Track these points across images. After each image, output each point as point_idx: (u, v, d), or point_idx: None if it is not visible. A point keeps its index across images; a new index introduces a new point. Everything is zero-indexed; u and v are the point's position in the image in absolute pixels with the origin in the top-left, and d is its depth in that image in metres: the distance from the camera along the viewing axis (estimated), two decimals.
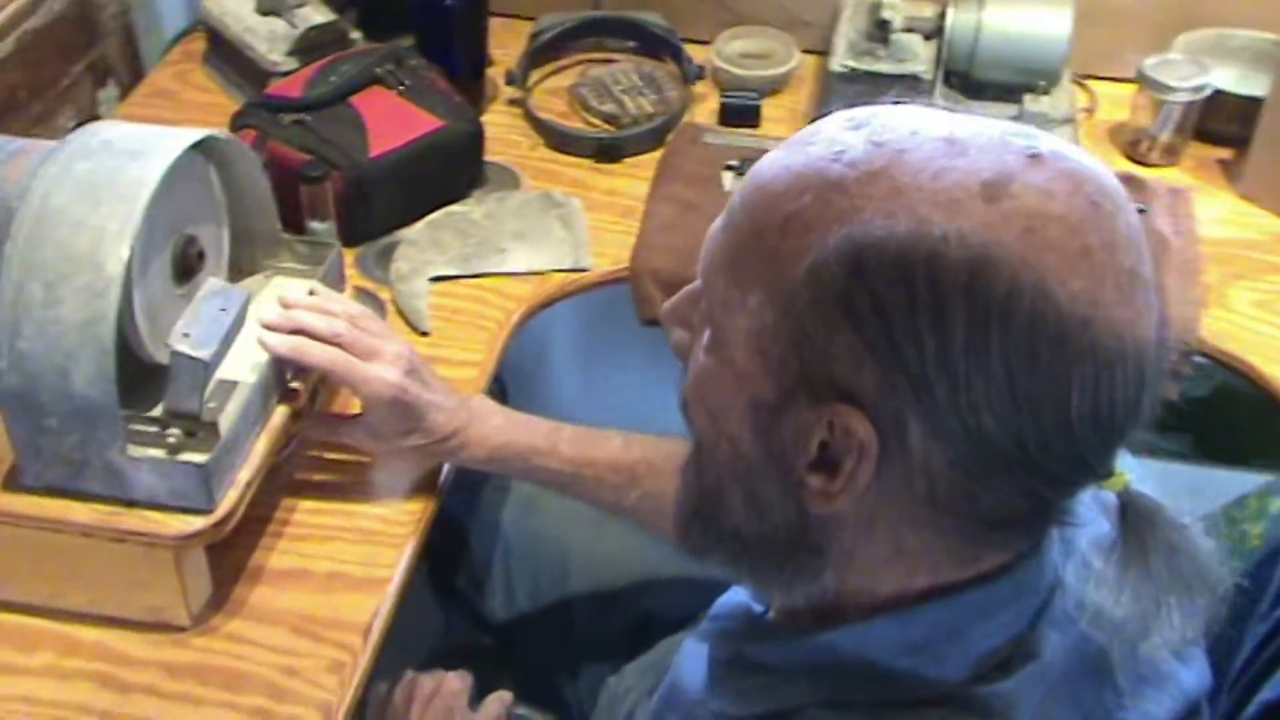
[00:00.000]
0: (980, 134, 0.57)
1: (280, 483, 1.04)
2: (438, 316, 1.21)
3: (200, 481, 0.87)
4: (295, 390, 0.98)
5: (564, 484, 1.01)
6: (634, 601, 1.18)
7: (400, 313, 1.21)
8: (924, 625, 0.61)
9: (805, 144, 0.58)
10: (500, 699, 1.07)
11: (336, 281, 1.07)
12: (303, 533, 1.00)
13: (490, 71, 1.52)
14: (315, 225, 1.21)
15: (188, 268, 0.95)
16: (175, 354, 0.87)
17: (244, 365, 0.95)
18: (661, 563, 1.18)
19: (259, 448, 0.94)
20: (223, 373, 0.94)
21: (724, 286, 0.58)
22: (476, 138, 1.34)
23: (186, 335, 0.89)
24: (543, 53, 1.53)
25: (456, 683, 1.06)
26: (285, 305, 0.96)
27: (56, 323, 0.83)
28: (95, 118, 1.53)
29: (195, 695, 0.88)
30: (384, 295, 1.23)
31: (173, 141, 0.89)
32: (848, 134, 0.57)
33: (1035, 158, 0.56)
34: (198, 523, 0.88)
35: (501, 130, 1.46)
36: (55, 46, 1.50)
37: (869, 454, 0.55)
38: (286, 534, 1.00)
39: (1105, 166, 0.59)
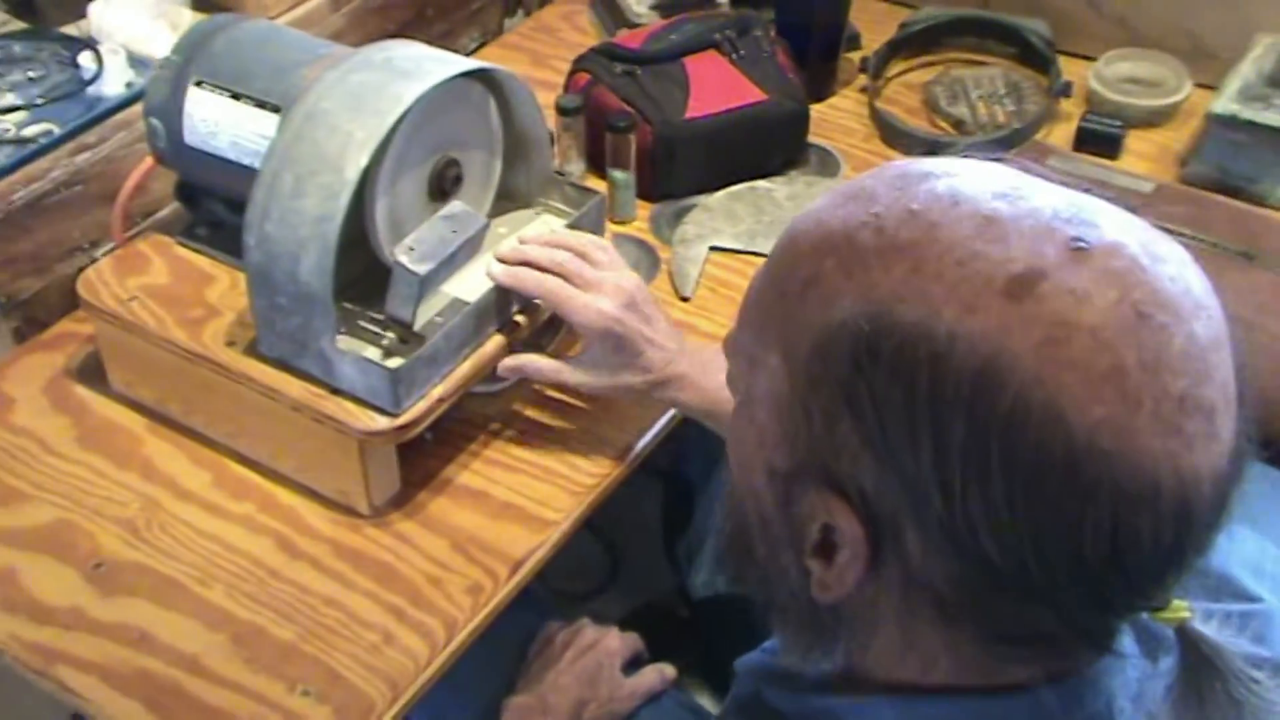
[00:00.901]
0: (1030, 213, 0.50)
1: (496, 409, 1.08)
2: (705, 285, 1.22)
3: (390, 385, 0.93)
4: (516, 323, 1.02)
5: None
6: None
7: (670, 274, 1.22)
8: (925, 717, 0.56)
9: (847, 197, 0.54)
10: (661, 671, 1.08)
11: (593, 226, 1.10)
12: (496, 458, 1.05)
13: (851, 55, 1.48)
14: (615, 174, 1.25)
15: (443, 188, 1.01)
16: (396, 263, 0.94)
17: (474, 289, 0.99)
18: None
19: (462, 369, 0.99)
20: (456, 289, 0.99)
21: (751, 340, 0.56)
22: (798, 118, 1.32)
23: (411, 249, 0.95)
24: (909, 44, 1.49)
25: (616, 642, 1.07)
26: (521, 240, 1.00)
27: (297, 213, 0.91)
28: None
29: (347, 578, 0.95)
30: (664, 254, 1.25)
31: (444, 67, 0.95)
32: (892, 192, 0.52)
33: (1081, 251, 0.48)
34: (381, 422, 0.94)
35: (843, 115, 1.44)
36: None
37: (858, 554, 0.52)
38: (483, 456, 1.05)
39: (1189, 264, 0.50)
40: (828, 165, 1.36)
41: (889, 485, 0.50)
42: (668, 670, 1.08)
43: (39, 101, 1.24)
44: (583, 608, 1.10)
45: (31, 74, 1.30)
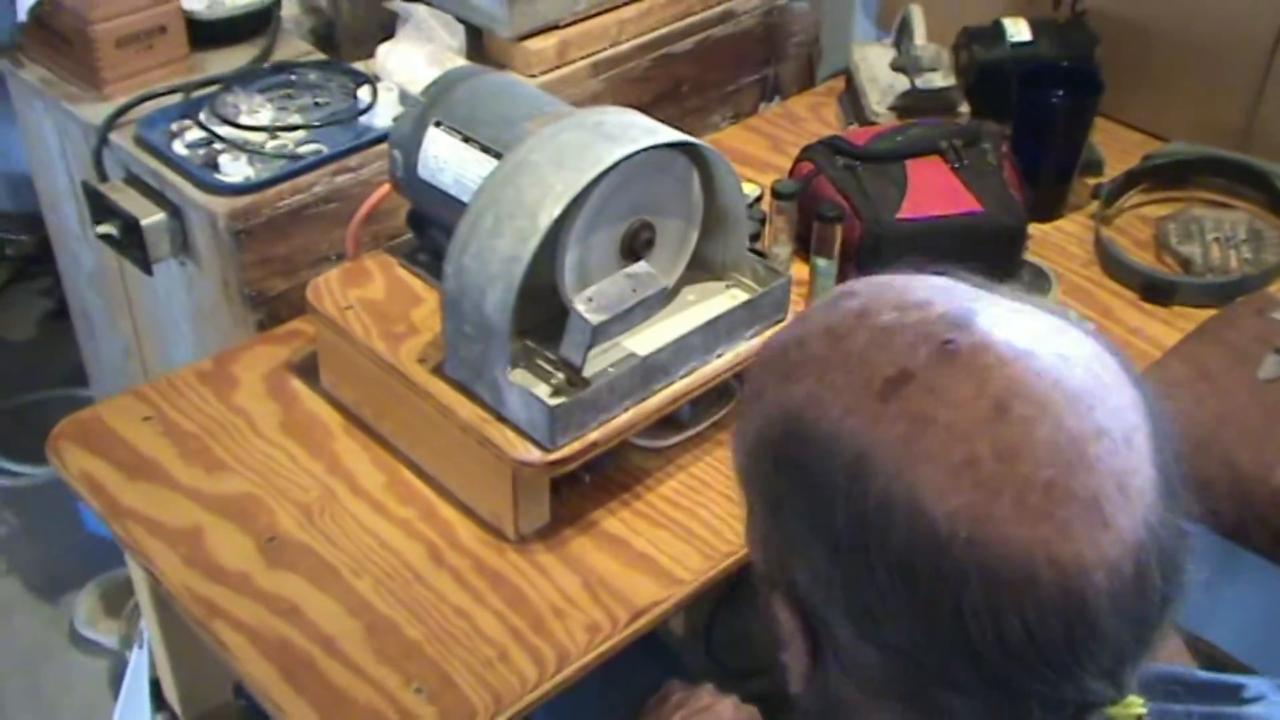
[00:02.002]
0: (919, 321, 0.54)
1: (657, 464, 1.13)
2: None
3: (548, 420, 1.00)
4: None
5: None
6: None
7: None
8: None
9: (799, 318, 0.61)
10: None
11: (774, 310, 1.14)
12: (645, 510, 1.10)
13: (1089, 179, 1.48)
14: (818, 261, 1.29)
15: (634, 249, 1.07)
16: (572, 309, 1.01)
17: (648, 344, 1.05)
18: None
19: (621, 419, 1.05)
20: (633, 344, 1.06)
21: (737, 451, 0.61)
22: (1013, 235, 1.33)
23: (590, 299, 1.01)
24: (1150, 176, 1.47)
25: (729, 713, 1.09)
26: None
27: (492, 250, 0.99)
28: None
29: (481, 594, 1.02)
30: None
31: (648, 136, 1.02)
32: (820, 311, 0.59)
33: (949, 352, 0.51)
34: (534, 454, 1.01)
35: (1066, 239, 1.43)
36: (731, 55, 1.70)
37: (800, 646, 0.56)
38: (632, 506, 1.10)
39: (1081, 360, 0.51)
40: (1038, 284, 1.36)
41: (807, 578, 0.54)
42: None
43: (316, 124, 1.39)
44: (740, 687, 1.11)
45: (318, 100, 1.45)
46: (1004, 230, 1.32)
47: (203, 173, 1.31)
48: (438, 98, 1.14)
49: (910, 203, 1.31)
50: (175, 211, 1.35)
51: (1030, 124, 1.41)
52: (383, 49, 1.50)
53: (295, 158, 1.35)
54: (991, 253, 1.33)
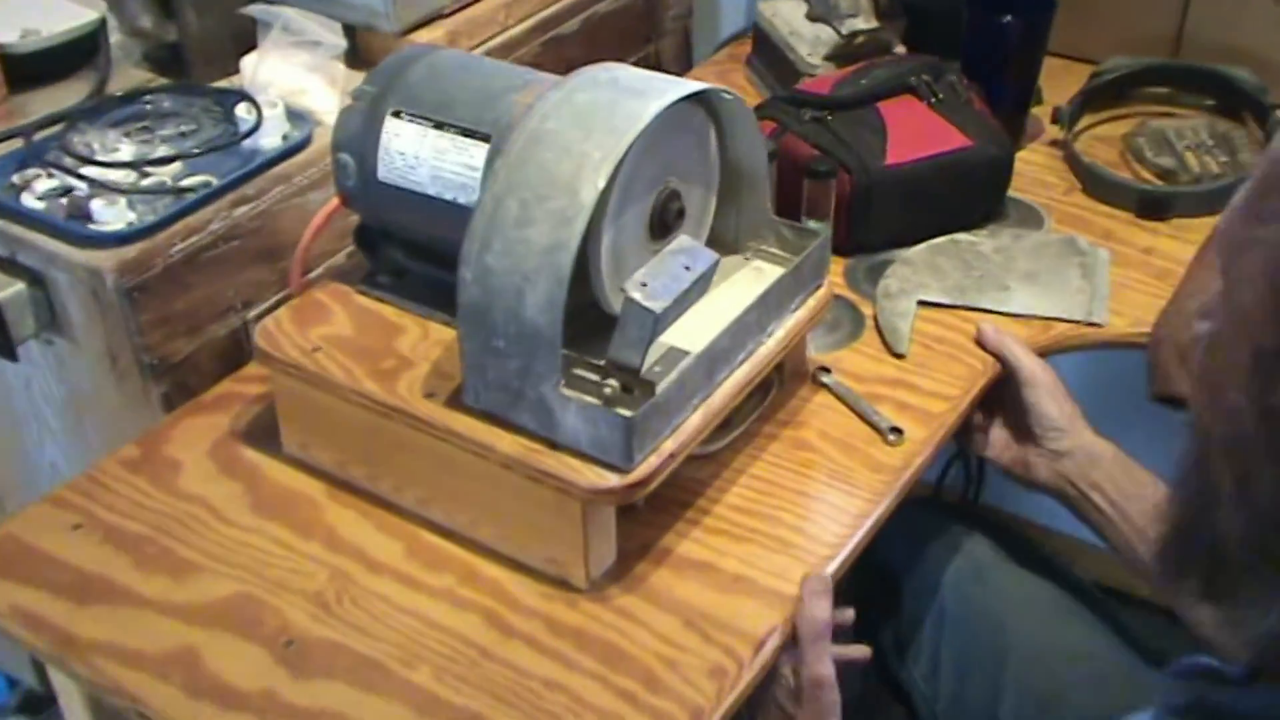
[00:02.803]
0: None
1: (709, 472, 0.98)
2: (918, 342, 1.12)
3: (623, 436, 0.83)
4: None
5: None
6: (1073, 711, 1.03)
7: (879, 329, 1.13)
8: None
9: None
10: None
11: (814, 275, 1.00)
12: (720, 526, 0.95)
13: (1036, 111, 1.40)
14: (811, 224, 1.16)
15: (665, 223, 0.92)
16: (628, 300, 0.85)
17: (696, 335, 0.90)
18: (1114, 670, 1.02)
19: (692, 421, 0.89)
20: (673, 338, 0.90)
21: (1240, 226, 0.55)
22: (1005, 164, 1.24)
23: (644, 285, 0.86)
24: (1100, 95, 1.40)
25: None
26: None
27: (524, 243, 0.83)
28: None
29: (571, 659, 0.84)
30: (865, 311, 1.15)
31: (676, 87, 0.87)
32: None
33: None
34: (612, 479, 0.84)
35: (1035, 170, 1.35)
36: (615, 33, 1.57)
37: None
38: (704, 524, 0.95)
39: None
40: (1029, 219, 1.28)
41: None
42: None
43: (195, 152, 1.18)
44: None
45: (183, 129, 1.24)
46: (995, 162, 1.23)
47: (72, 225, 1.09)
48: (390, 84, 0.96)
49: (895, 147, 1.20)
50: (36, 279, 1.12)
51: (984, 51, 1.33)
52: (248, 62, 1.31)
53: (180, 193, 1.13)
54: (983, 187, 1.25)
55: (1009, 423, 1.09)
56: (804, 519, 0.95)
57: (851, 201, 1.19)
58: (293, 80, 1.30)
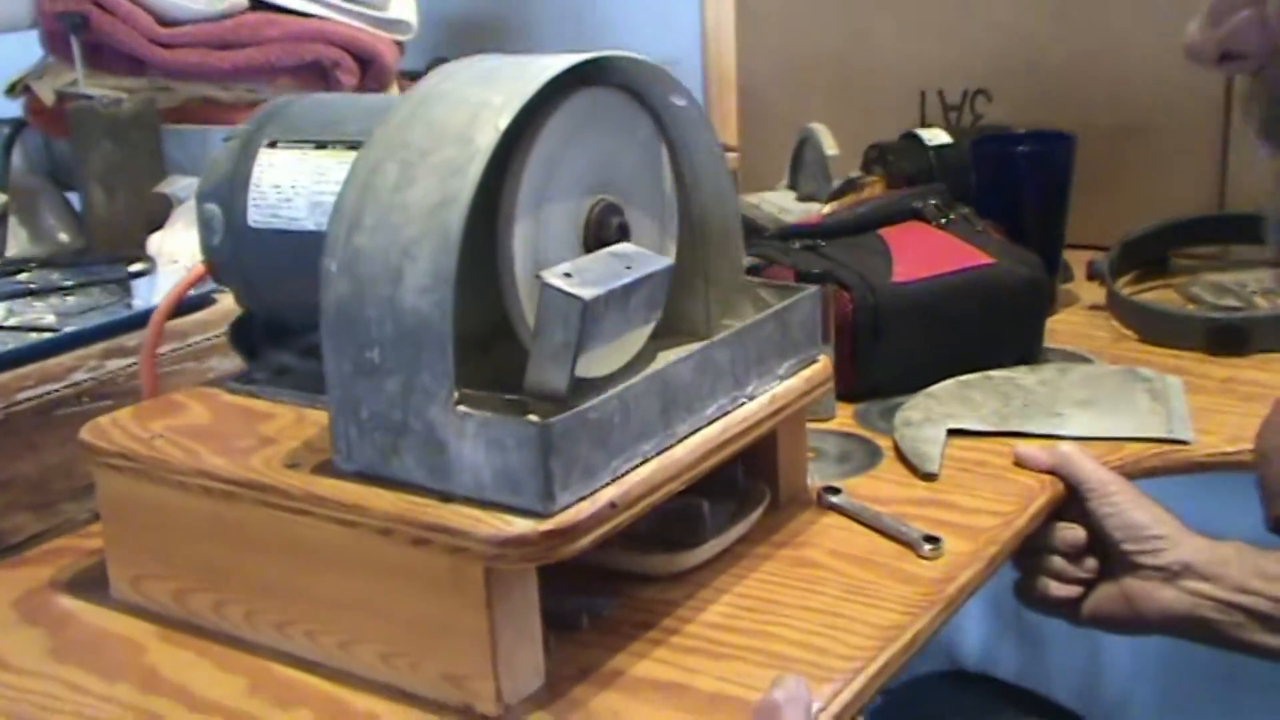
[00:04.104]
0: None
1: (687, 590, 0.75)
2: (951, 466, 0.90)
3: (538, 457, 0.61)
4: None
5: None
6: None
7: (901, 456, 0.91)
8: None
9: None
10: None
11: (806, 340, 0.81)
12: (694, 644, 0.70)
13: (1068, 288, 1.26)
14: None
15: (602, 239, 0.73)
16: (546, 289, 0.64)
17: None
18: None
19: (642, 474, 0.67)
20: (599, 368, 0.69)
21: None
22: (1036, 290, 1.06)
23: (567, 274, 0.66)
24: (1140, 250, 1.25)
25: None
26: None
27: (402, 208, 0.64)
28: None
29: None
30: (882, 443, 0.94)
31: (590, 54, 0.71)
32: None
33: None
34: (522, 524, 0.61)
35: (1074, 326, 1.19)
36: None
37: None
38: (670, 643, 0.70)
39: None
40: (1074, 360, 1.08)
41: None
42: None
43: (69, 300, 1.02)
44: None
45: (71, 298, 1.09)
46: (1027, 285, 1.06)
47: None
48: (269, 119, 0.81)
49: (902, 266, 1.03)
50: None
51: (998, 190, 1.17)
52: (155, 237, 1.17)
53: (39, 330, 0.96)
54: (1015, 315, 1.06)
55: (1088, 556, 0.85)
56: (812, 633, 0.70)
57: (855, 328, 1.01)
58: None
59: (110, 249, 1.21)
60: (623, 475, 0.66)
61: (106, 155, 1.21)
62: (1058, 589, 0.86)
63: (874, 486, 0.89)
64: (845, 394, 1.02)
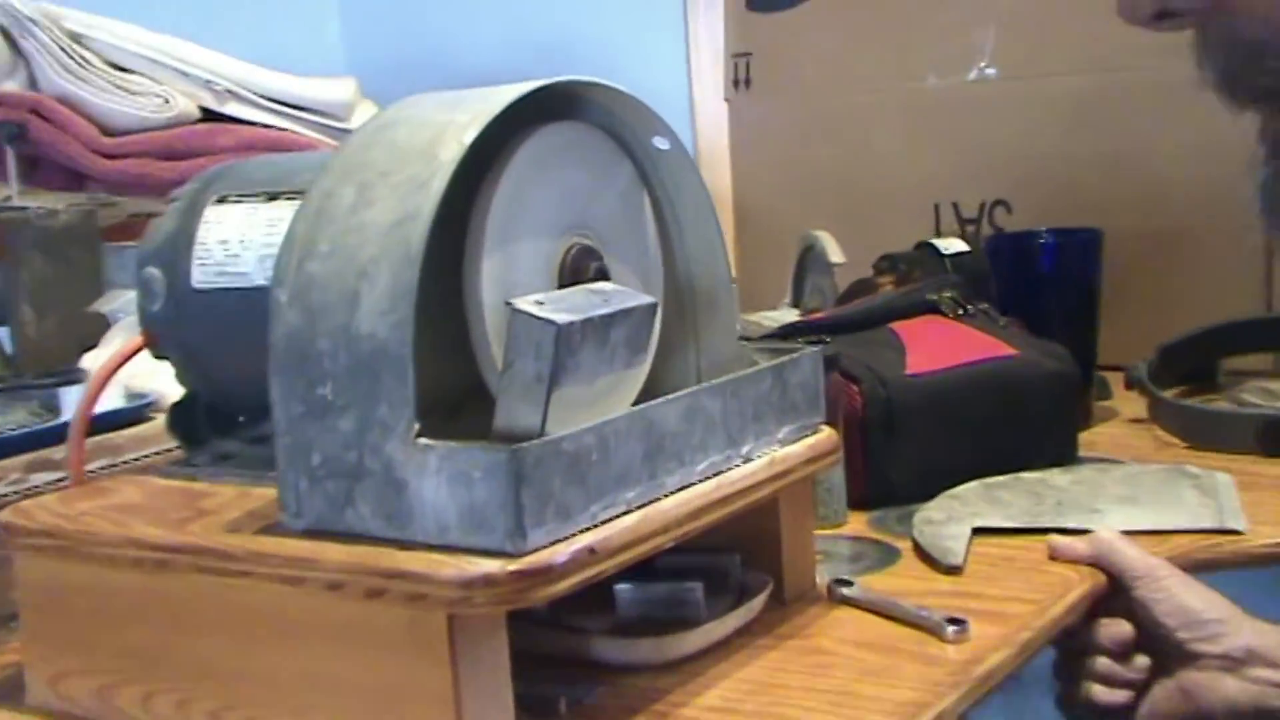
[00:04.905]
0: None
1: (680, 679, 0.75)
2: (978, 561, 0.92)
3: (509, 489, 0.62)
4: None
5: None
6: None
7: (921, 552, 0.92)
8: None
9: None
10: None
11: (808, 406, 0.83)
12: None
13: (1105, 405, 1.29)
14: None
15: (579, 282, 0.76)
16: (517, 315, 0.67)
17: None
18: None
19: (625, 523, 0.68)
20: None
21: None
22: (1065, 385, 1.09)
23: (540, 303, 0.68)
24: (1180, 358, 1.28)
25: None
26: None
27: (359, 230, 0.67)
28: None
29: None
30: (900, 544, 0.95)
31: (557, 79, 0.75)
32: None
33: None
34: (490, 564, 0.62)
35: (1110, 438, 1.21)
36: None
37: None
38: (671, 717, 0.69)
39: None
40: (1114, 462, 1.10)
41: None
42: None
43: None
44: None
45: None
46: (1054, 377, 1.09)
47: None
48: (216, 178, 0.85)
49: (917, 358, 1.07)
50: None
51: (1019, 291, 1.21)
52: (90, 356, 1.20)
53: None
54: (1043, 410, 1.09)
55: (1137, 655, 0.85)
56: (823, 712, 0.70)
57: (866, 425, 1.03)
58: (137, 363, 1.18)
59: (40, 371, 1.24)
60: (603, 522, 0.67)
61: (37, 271, 1.25)
62: (1107, 694, 0.86)
63: (891, 582, 0.89)
64: (857, 500, 1.03)
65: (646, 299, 0.74)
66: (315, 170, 0.78)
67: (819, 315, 1.17)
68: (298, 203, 0.77)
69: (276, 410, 0.69)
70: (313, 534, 0.68)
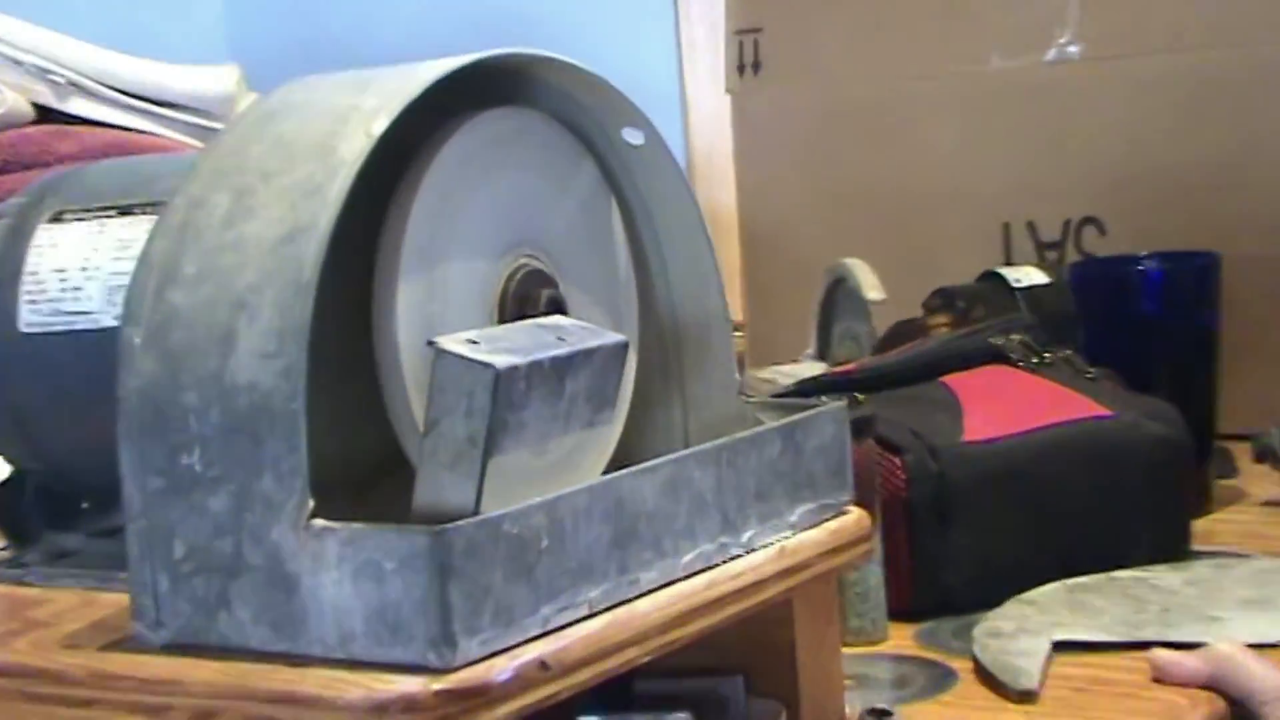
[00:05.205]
0: None
1: None
2: (1057, 685, 0.94)
3: (428, 582, 0.63)
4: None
5: None
6: None
7: (983, 674, 0.95)
8: None
9: None
10: None
11: (833, 481, 0.86)
12: None
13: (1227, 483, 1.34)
14: None
15: (526, 315, 0.78)
16: (441, 357, 0.69)
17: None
18: None
19: (591, 629, 0.71)
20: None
21: None
22: (1178, 451, 1.11)
23: (473, 342, 0.70)
24: None
25: None
26: None
27: (236, 247, 0.70)
28: None
29: None
30: (956, 664, 0.98)
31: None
32: None
33: None
34: (409, 682, 0.64)
35: (1241, 526, 1.26)
36: None
37: None
38: None
39: None
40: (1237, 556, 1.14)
41: None
42: None
43: None
44: None
45: None
46: (1159, 444, 1.11)
47: None
48: (51, 189, 0.88)
49: (978, 420, 1.10)
50: None
51: (1113, 333, 1.24)
52: None
53: None
54: (1144, 487, 1.13)
55: None
56: None
57: (911, 509, 1.06)
58: None
59: None
60: (558, 629, 0.68)
61: None
62: None
63: (945, 713, 0.91)
64: (902, 609, 1.06)
65: (615, 337, 0.75)
66: (179, 175, 0.80)
67: (849, 367, 1.18)
68: (156, 217, 0.79)
69: (128, 486, 0.70)
70: (177, 649, 0.70)
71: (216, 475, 0.68)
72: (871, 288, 1.37)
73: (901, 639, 1.04)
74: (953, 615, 1.06)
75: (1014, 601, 1.04)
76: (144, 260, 0.72)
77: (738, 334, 1.66)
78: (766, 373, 1.41)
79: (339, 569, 0.66)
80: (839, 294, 1.40)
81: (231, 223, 0.70)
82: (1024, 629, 1.00)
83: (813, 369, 1.42)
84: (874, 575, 1.04)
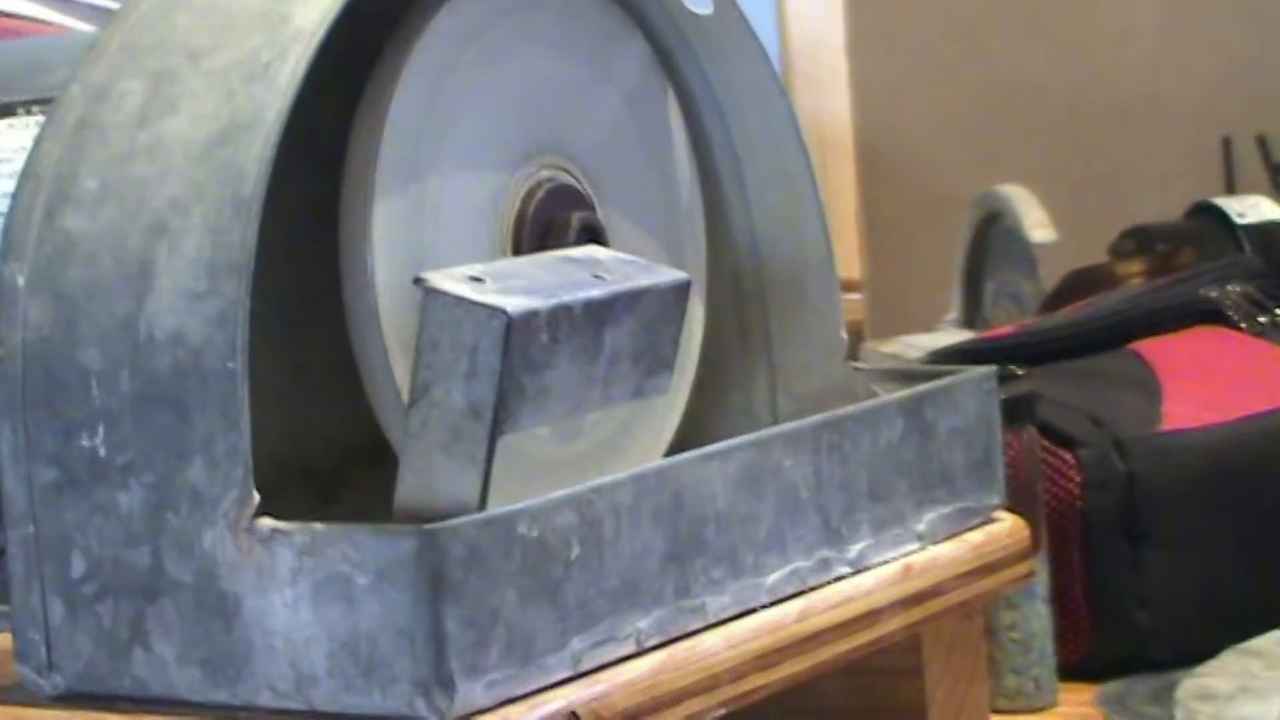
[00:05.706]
0: None
1: None
2: None
3: (415, 603, 0.66)
4: None
5: None
6: None
7: None
8: None
9: None
10: None
11: (979, 477, 0.87)
12: None
13: None
14: None
15: (549, 246, 0.81)
16: (431, 298, 0.71)
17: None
18: None
19: (637, 668, 0.73)
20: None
21: None
22: None
23: (476, 279, 0.72)
24: None
25: None
26: None
27: (150, 152, 0.73)
28: None
29: None
30: None
31: None
32: None
33: None
34: None
35: None
36: None
37: None
38: None
39: None
40: None
41: None
42: None
43: None
44: None
45: None
46: None
47: None
48: None
49: (1180, 403, 1.11)
50: None
51: None
52: None
53: None
54: None
55: None
56: None
57: (1089, 523, 1.09)
58: None
59: None
60: (595, 671, 0.70)
61: None
62: None
63: None
64: (1078, 663, 1.08)
65: (672, 275, 0.77)
66: (77, 60, 0.83)
67: (1007, 330, 1.20)
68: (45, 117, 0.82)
69: (8, 481, 0.72)
70: (75, 700, 0.73)
71: (128, 462, 0.70)
72: (1037, 226, 1.38)
73: (1076, 701, 1.05)
74: (1148, 672, 1.08)
75: (1231, 651, 1.06)
76: (29, 173, 0.74)
77: (851, 296, 1.68)
78: (892, 345, 1.43)
79: (294, 587, 0.68)
80: (991, 236, 1.42)
81: (146, 120, 0.73)
82: (1246, 689, 1.02)
83: (955, 337, 1.43)
84: (1038, 615, 1.06)
